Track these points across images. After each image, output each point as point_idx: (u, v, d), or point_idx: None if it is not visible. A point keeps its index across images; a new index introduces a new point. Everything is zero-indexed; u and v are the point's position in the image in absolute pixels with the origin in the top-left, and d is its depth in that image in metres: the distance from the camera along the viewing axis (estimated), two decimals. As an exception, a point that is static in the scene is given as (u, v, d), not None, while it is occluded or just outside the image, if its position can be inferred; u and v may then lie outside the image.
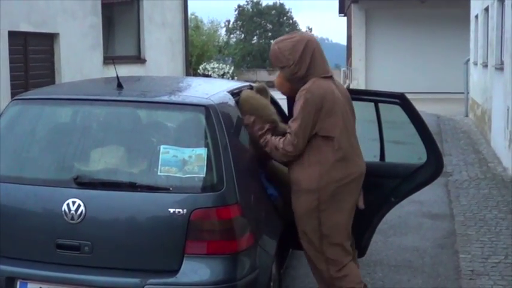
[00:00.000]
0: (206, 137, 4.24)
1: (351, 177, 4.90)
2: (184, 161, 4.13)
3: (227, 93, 4.96)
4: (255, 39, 54.30)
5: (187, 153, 4.15)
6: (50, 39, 14.42)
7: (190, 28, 26.08)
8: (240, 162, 4.38)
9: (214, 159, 4.15)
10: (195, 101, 4.47)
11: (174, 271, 4.02)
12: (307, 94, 4.73)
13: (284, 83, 5.06)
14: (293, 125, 4.72)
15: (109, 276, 4.06)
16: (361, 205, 5.03)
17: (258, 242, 4.38)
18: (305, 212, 4.79)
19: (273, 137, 4.80)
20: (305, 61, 4.83)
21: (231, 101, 4.85)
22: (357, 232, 5.31)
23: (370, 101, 5.89)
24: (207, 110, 4.33)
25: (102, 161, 4.31)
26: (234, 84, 5.58)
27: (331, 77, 4.98)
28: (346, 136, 4.94)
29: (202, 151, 4.16)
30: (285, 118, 6.43)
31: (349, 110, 5.09)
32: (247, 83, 5.99)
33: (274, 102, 6.14)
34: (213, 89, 5.06)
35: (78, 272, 4.09)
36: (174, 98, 4.60)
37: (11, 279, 4.17)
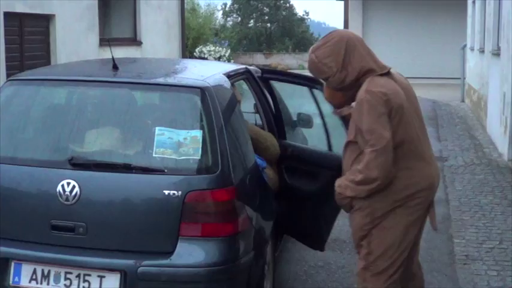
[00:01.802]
0: (202, 119, 4.22)
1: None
2: (180, 143, 4.11)
3: (223, 75, 4.94)
4: (251, 23, 54.21)
5: (182, 135, 4.13)
6: (45, 20, 14.38)
7: (186, 11, 25.96)
8: (236, 145, 4.37)
9: (210, 141, 4.14)
10: (190, 82, 4.46)
11: (169, 253, 4.02)
12: (367, 95, 4.10)
13: (335, 94, 4.41)
14: (367, 136, 4.06)
15: (103, 258, 4.05)
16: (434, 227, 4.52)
17: (253, 225, 4.38)
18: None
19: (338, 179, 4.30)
20: (351, 63, 4.23)
21: (227, 83, 4.83)
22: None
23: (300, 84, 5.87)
24: (203, 92, 4.32)
25: (97, 142, 4.30)
26: (230, 67, 5.56)
27: (388, 73, 4.33)
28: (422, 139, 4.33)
29: (198, 133, 4.15)
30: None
31: (417, 109, 4.40)
32: (243, 66, 5.97)
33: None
34: (209, 71, 5.04)
35: (72, 253, 4.09)
36: (170, 80, 4.58)
37: (5, 260, 4.17)
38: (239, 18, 54.98)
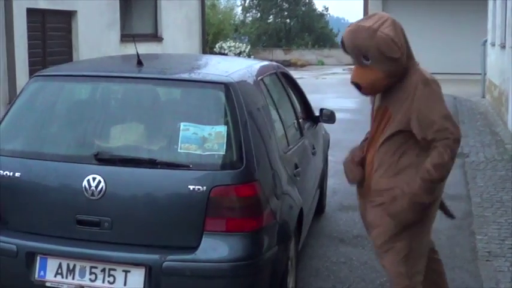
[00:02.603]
0: (226, 115, 4.25)
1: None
2: (204, 138, 4.14)
3: (247, 71, 4.96)
4: (271, 19, 54.01)
5: (207, 130, 4.15)
6: (67, 16, 14.43)
7: (206, 6, 25.97)
8: (260, 140, 4.38)
9: (234, 136, 4.16)
10: (215, 78, 4.48)
11: (193, 248, 4.04)
12: (434, 84, 4.02)
13: (383, 80, 4.12)
14: (446, 123, 3.94)
15: (128, 252, 4.08)
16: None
17: (277, 220, 4.39)
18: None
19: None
20: (407, 48, 4.11)
21: (251, 79, 4.85)
22: None
23: None
24: (227, 87, 4.34)
25: (122, 138, 4.33)
26: (254, 63, 5.58)
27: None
28: None
29: (222, 129, 4.17)
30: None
31: None
32: (267, 62, 5.99)
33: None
34: (233, 66, 5.06)
35: (97, 248, 4.12)
36: (195, 76, 4.61)
37: (31, 254, 4.21)
38: (258, 14, 54.82)
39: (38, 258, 4.22)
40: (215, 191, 4.02)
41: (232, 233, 4.07)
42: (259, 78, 5.03)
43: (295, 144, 5.44)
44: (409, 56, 4.11)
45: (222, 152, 4.12)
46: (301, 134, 5.87)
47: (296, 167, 5.10)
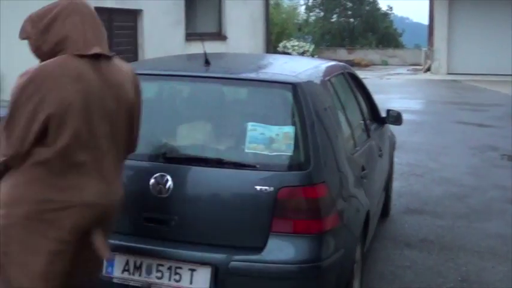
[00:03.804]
0: (293, 115, 4.21)
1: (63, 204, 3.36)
2: (272, 138, 4.11)
3: (314, 71, 4.92)
4: (334, 18, 53.78)
5: (274, 131, 4.12)
6: (133, 15, 14.62)
7: (270, 5, 26.00)
8: (327, 141, 4.34)
9: (302, 137, 4.12)
10: (282, 78, 4.45)
11: (259, 248, 4.01)
12: (24, 77, 3.32)
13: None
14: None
15: (195, 251, 4.07)
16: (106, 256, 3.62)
17: (344, 222, 4.34)
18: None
19: None
20: (54, 30, 3.45)
21: (318, 79, 4.81)
22: None
23: None
24: (295, 87, 4.31)
25: (190, 137, 4.34)
26: (321, 63, 5.53)
27: (95, 56, 3.47)
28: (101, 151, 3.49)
29: (290, 129, 4.14)
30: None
31: (124, 108, 3.60)
32: (334, 62, 5.94)
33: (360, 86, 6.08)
34: (300, 66, 5.03)
35: (164, 246, 4.12)
36: (262, 76, 4.59)
37: None
38: (322, 13, 54.64)
39: None
40: (282, 192, 3.99)
41: (298, 235, 4.03)
42: (326, 78, 4.98)
43: (362, 146, 5.38)
44: (61, 40, 3.44)
45: (290, 153, 4.09)
46: (368, 136, 5.81)
47: (363, 169, 5.04)
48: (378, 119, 6.72)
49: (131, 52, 14.44)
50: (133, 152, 3.86)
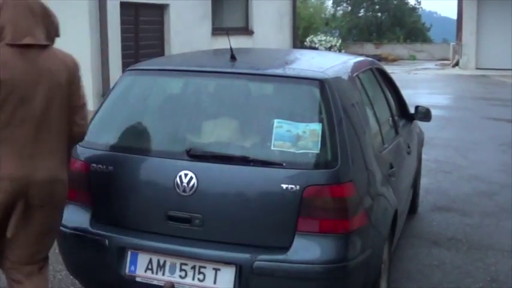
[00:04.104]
0: (321, 112, 4.12)
1: None
2: (298, 136, 4.03)
3: (342, 67, 4.83)
4: (361, 12, 53.57)
5: (301, 128, 4.04)
6: (160, 9, 14.58)
7: (297, 0, 25.88)
8: (355, 139, 4.25)
9: (329, 135, 4.03)
10: (310, 74, 4.37)
11: (285, 248, 3.93)
12: None
13: None
14: None
15: (219, 250, 4.01)
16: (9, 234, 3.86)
17: (372, 222, 4.25)
18: None
19: None
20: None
21: (346, 75, 4.72)
22: None
23: None
24: (322, 84, 4.22)
25: (215, 134, 4.27)
26: (349, 58, 5.44)
27: (26, 45, 3.77)
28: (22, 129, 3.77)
29: (317, 126, 4.05)
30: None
31: (45, 92, 3.81)
32: (362, 57, 5.85)
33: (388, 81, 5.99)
34: (328, 62, 4.94)
35: (188, 245, 4.06)
36: (289, 72, 4.50)
37: (122, 249, 4.19)
38: (349, 8, 54.43)
39: (129, 253, 4.20)
40: (309, 190, 3.91)
41: (325, 234, 3.95)
42: (354, 74, 4.89)
43: (391, 143, 5.28)
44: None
45: (317, 151, 4.00)
46: (397, 132, 5.70)
47: (391, 166, 4.94)
48: (407, 116, 6.61)
49: (158, 47, 14.40)
50: (79, 138, 4.11)
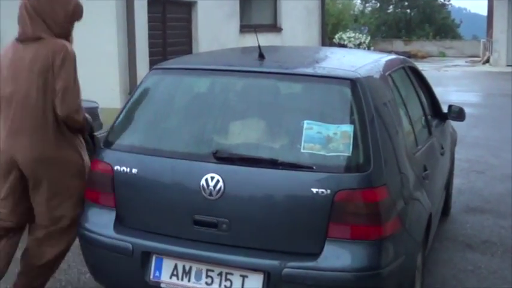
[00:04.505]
0: (352, 113, 3.96)
1: None
2: (329, 138, 3.86)
3: (374, 65, 4.67)
4: (390, 8, 53.21)
5: (332, 129, 3.88)
6: (187, 7, 14.46)
7: (326, -4, 25.69)
8: (388, 141, 4.08)
9: (361, 137, 3.87)
10: (341, 73, 4.20)
11: (315, 255, 3.78)
12: None
13: None
14: None
15: (246, 256, 3.86)
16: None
17: (406, 227, 4.08)
18: None
19: None
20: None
21: (378, 74, 4.56)
22: None
23: None
24: (354, 83, 4.06)
25: (242, 135, 4.12)
26: (380, 56, 5.27)
27: (31, 40, 4.46)
28: (6, 110, 4.50)
29: (348, 128, 3.89)
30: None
31: (27, 78, 4.42)
32: (394, 55, 5.67)
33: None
34: (359, 61, 4.78)
35: (214, 250, 3.93)
36: (319, 71, 4.33)
37: (146, 254, 4.07)
38: (378, 4, 54.09)
39: (154, 258, 4.08)
40: (340, 195, 3.75)
41: (357, 241, 3.79)
42: (387, 73, 4.72)
43: (424, 144, 5.10)
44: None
45: (348, 153, 3.84)
46: (430, 133, 5.52)
47: (425, 169, 4.77)
48: (440, 115, 6.42)
49: (185, 44, 14.28)
50: (62, 119, 4.43)
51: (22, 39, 4.51)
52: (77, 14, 4.60)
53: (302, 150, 3.87)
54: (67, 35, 4.60)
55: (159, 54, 13.03)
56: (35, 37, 4.45)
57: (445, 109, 6.53)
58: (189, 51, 14.13)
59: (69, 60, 4.39)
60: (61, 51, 4.38)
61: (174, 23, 13.99)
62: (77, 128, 4.56)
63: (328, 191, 3.75)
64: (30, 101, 4.39)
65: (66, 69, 4.38)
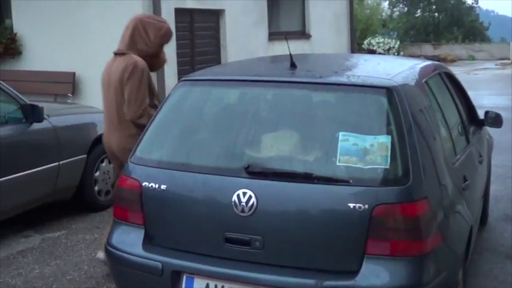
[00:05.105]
0: (390, 123, 3.79)
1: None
2: (366, 150, 3.69)
3: (410, 72, 4.50)
4: (418, 12, 52.86)
5: (368, 141, 3.71)
6: (215, 15, 14.36)
7: (354, 2, 25.46)
8: (427, 152, 3.90)
9: (399, 148, 3.69)
10: (376, 82, 4.04)
11: (353, 273, 3.60)
12: None
13: None
14: None
15: (281, 275, 3.70)
16: None
17: (447, 242, 3.89)
18: None
19: None
20: None
21: (415, 81, 4.38)
22: None
23: None
24: (390, 92, 3.89)
25: (275, 148, 3.95)
26: (416, 63, 5.08)
27: (119, 54, 5.56)
28: (105, 110, 5.67)
29: (386, 139, 3.71)
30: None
31: (112, 86, 5.51)
32: (429, 61, 5.49)
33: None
34: (394, 68, 4.60)
35: (247, 269, 3.77)
36: (354, 79, 4.16)
37: (177, 273, 3.92)
38: (406, 8, 53.75)
39: (184, 277, 3.93)
40: (378, 209, 3.57)
41: (396, 257, 3.61)
42: (423, 80, 4.54)
43: (463, 153, 4.91)
44: None
45: (386, 166, 3.66)
46: (468, 141, 5.32)
47: (465, 179, 4.58)
48: (476, 121, 6.22)
49: (214, 53, 14.17)
50: (128, 119, 5.41)
51: (115, 53, 5.57)
52: (165, 37, 5.62)
53: (338, 163, 3.71)
54: (155, 54, 5.60)
55: (188, 63, 12.94)
56: (121, 52, 5.50)
57: (481, 115, 6.32)
58: (217, 60, 14.03)
59: (135, 73, 5.33)
60: (131, 65, 5.36)
61: (202, 31, 13.90)
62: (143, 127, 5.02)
63: (366, 206, 3.58)
64: (112, 104, 5.51)
65: (132, 81, 5.33)
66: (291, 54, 4.36)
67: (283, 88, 4.22)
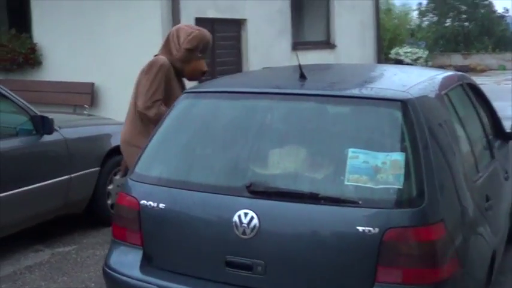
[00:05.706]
0: (404, 139, 3.51)
1: None
2: (377, 168, 3.41)
3: (428, 84, 4.21)
4: (448, 22, 52.29)
5: (380, 158, 3.43)
6: (237, 25, 14.17)
7: (381, 11, 25.12)
8: (445, 170, 3.62)
9: (414, 166, 3.41)
10: (390, 94, 3.76)
11: None
12: None
13: None
14: None
15: None
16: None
17: (466, 268, 3.60)
18: None
19: None
20: None
21: (433, 93, 4.10)
22: None
23: None
24: (405, 105, 3.62)
25: (279, 165, 3.69)
26: (436, 73, 4.79)
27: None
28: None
29: (400, 156, 3.43)
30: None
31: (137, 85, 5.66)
32: (451, 72, 5.19)
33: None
34: (412, 79, 4.32)
35: None
36: (365, 91, 3.88)
37: None
38: (435, 18, 53.23)
39: None
40: (390, 233, 3.29)
41: (410, 285, 3.33)
42: (443, 92, 4.25)
43: (486, 170, 4.59)
44: None
45: (399, 186, 3.37)
46: (492, 156, 5.01)
47: (487, 199, 4.27)
48: (503, 135, 5.89)
49: (235, 64, 13.96)
50: (137, 110, 5.51)
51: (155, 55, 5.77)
52: (192, 41, 5.70)
53: (346, 183, 3.44)
54: (185, 59, 5.68)
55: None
56: (156, 54, 5.77)
57: (507, 127, 6.00)
58: (239, 70, 13.82)
59: (153, 68, 5.50)
60: (152, 62, 5.57)
61: (224, 41, 13.70)
62: (152, 123, 5.19)
63: (376, 230, 3.30)
64: (132, 97, 5.66)
65: (148, 74, 5.50)
66: (300, 65, 4.11)
67: (290, 101, 3.96)
